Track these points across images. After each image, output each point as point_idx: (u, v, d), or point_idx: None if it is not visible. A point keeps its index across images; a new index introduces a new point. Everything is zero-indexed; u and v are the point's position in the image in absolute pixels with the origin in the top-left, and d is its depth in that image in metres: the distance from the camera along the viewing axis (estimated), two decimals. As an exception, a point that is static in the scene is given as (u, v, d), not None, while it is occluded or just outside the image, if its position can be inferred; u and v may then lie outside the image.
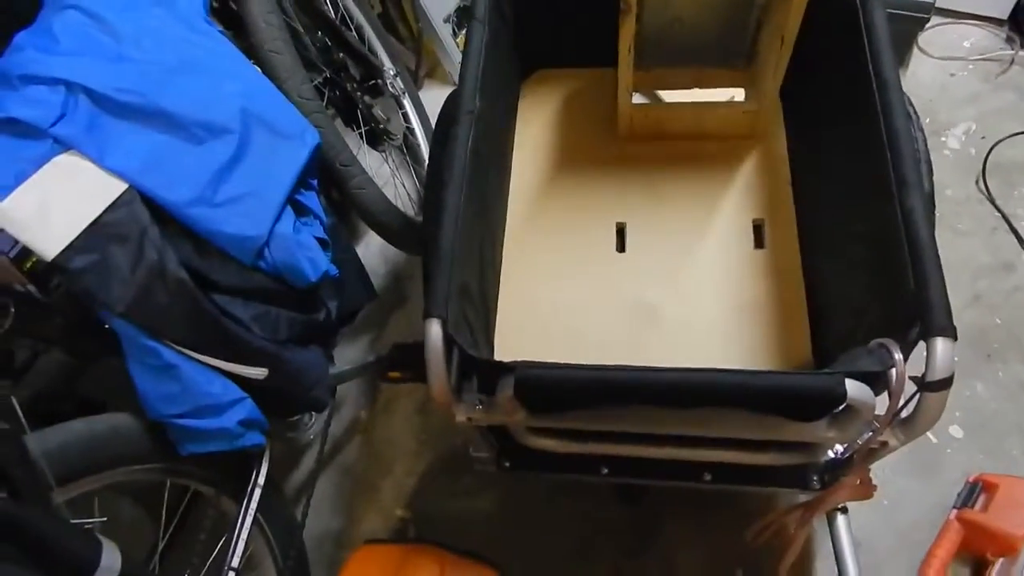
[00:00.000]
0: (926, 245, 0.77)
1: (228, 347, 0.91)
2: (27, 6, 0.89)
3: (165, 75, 0.88)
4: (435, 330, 0.81)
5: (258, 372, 0.95)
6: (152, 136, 0.86)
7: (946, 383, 0.72)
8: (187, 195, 0.86)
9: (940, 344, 0.72)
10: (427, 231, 1.21)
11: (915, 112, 1.07)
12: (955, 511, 1.18)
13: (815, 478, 1.00)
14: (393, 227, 1.34)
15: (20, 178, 0.79)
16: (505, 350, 1.15)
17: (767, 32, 1.16)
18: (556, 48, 1.40)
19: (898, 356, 0.74)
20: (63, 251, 0.79)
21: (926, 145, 1.04)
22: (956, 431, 1.33)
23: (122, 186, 0.83)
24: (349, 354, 1.59)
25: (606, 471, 1.07)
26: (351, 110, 1.44)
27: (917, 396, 0.74)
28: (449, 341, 0.82)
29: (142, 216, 0.83)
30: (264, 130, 0.95)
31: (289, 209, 0.99)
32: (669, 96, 1.40)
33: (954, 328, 0.72)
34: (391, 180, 1.59)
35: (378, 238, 1.40)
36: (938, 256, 0.76)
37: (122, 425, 0.93)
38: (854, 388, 0.72)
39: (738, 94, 1.34)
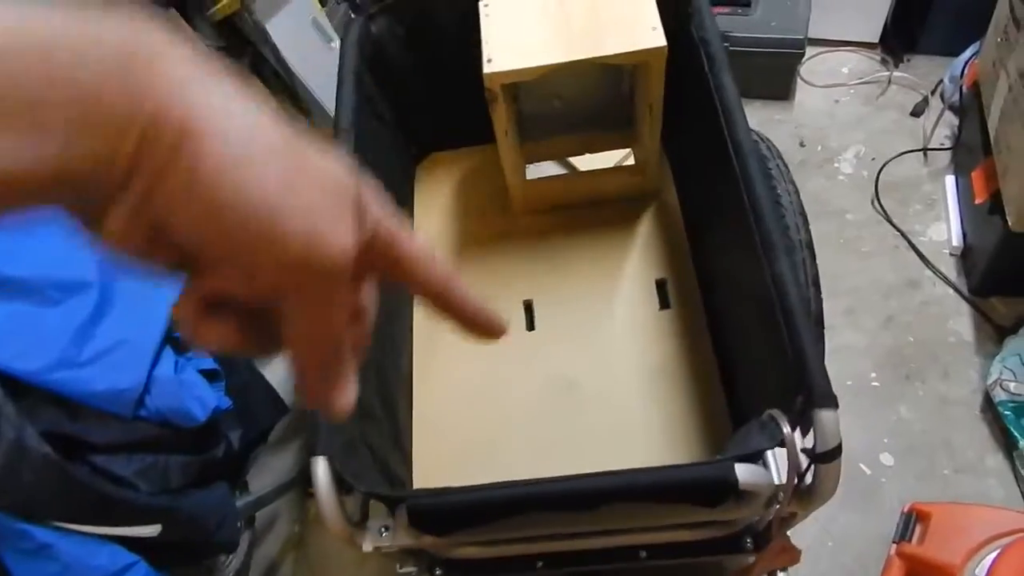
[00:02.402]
0: (796, 313, 0.77)
1: (110, 511, 0.85)
2: None
3: (7, 240, 0.84)
4: (321, 468, 0.78)
5: (149, 530, 0.89)
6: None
7: (835, 453, 0.71)
8: (46, 361, 0.82)
9: (823, 416, 0.71)
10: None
11: (784, 164, 1.09)
12: (895, 545, 1.18)
13: (747, 540, 0.99)
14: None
15: None
16: (424, 450, 1.11)
17: (638, 99, 1.19)
18: (445, 133, 1.41)
19: (787, 430, 0.73)
20: (-92, 446, 0.74)
21: (798, 196, 1.05)
22: (887, 459, 1.33)
23: (-31, 365, 0.78)
24: (277, 464, 1.52)
25: (541, 565, 1.03)
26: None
27: (812, 467, 0.73)
28: (339, 478, 0.78)
29: (-5, 393, 0.78)
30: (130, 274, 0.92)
31: (168, 349, 0.95)
32: (567, 164, 1.41)
33: (834, 397, 0.72)
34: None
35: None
36: (808, 323, 0.76)
37: (3, 615, 0.86)
38: (745, 472, 0.71)
39: (628, 156, 1.36)
